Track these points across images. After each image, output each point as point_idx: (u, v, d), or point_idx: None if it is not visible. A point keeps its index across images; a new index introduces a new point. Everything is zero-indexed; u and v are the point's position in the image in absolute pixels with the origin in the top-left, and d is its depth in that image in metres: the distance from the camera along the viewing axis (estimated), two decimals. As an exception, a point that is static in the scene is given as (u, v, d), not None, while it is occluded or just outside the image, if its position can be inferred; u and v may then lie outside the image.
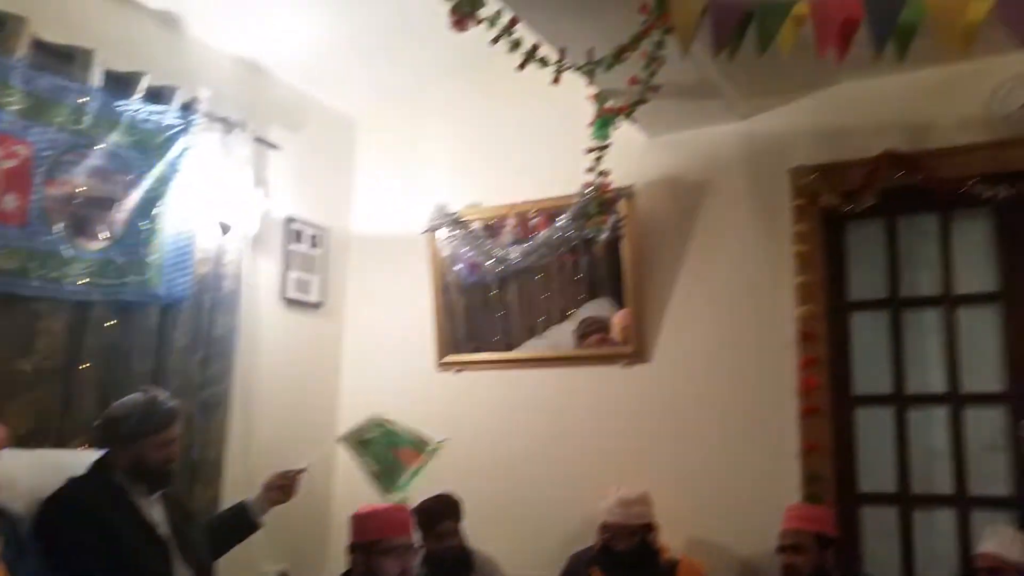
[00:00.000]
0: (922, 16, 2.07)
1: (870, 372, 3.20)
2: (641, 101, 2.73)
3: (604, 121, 2.89)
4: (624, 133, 3.05)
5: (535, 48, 2.53)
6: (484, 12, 2.31)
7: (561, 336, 3.60)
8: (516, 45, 2.46)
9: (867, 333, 3.23)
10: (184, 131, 3.02)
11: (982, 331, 3.05)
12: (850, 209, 3.07)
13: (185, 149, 3.02)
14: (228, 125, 3.22)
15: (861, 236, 3.28)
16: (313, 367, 3.84)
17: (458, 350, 3.75)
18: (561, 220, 3.46)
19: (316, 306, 3.85)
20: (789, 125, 3.31)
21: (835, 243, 3.28)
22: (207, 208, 3.13)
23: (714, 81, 3.02)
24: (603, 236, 3.41)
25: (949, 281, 3.12)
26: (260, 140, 3.45)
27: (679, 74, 2.79)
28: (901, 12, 2.04)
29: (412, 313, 3.83)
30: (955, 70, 3.01)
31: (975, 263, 3.10)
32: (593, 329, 3.54)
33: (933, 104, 3.07)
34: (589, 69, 2.61)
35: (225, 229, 3.19)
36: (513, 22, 2.41)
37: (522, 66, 2.51)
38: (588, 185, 3.15)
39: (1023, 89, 2.89)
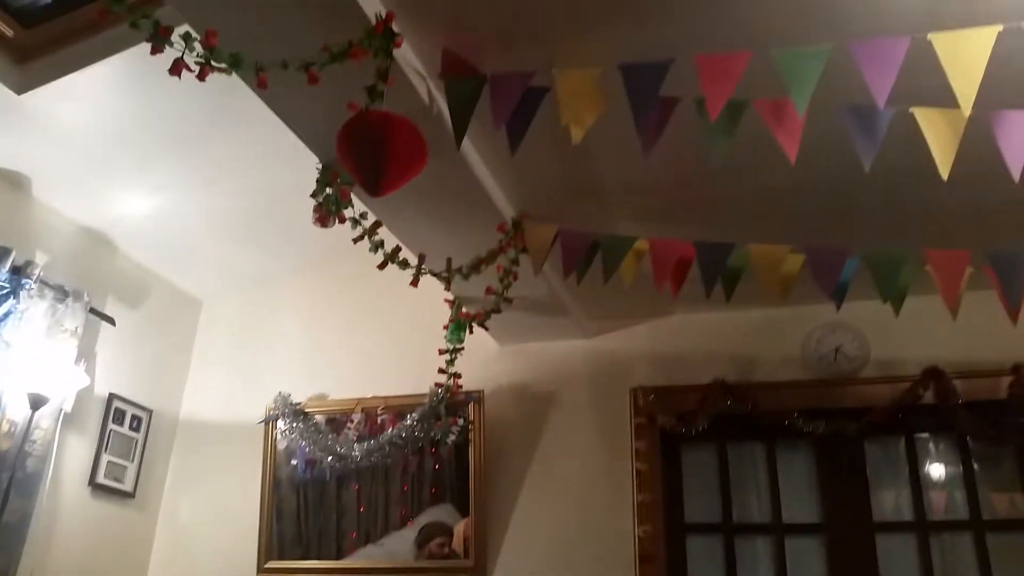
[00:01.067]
0: (746, 264, 2.31)
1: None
2: (495, 310, 2.83)
3: (459, 325, 2.96)
4: (477, 339, 3.13)
5: (397, 250, 2.61)
6: (349, 212, 2.39)
7: (400, 544, 3.41)
8: (378, 246, 2.53)
9: (703, 556, 3.26)
10: (11, 295, 2.83)
11: (808, 561, 3.16)
12: (685, 431, 3.21)
13: (8, 313, 2.81)
14: (61, 293, 3.05)
15: (696, 458, 3.41)
16: (117, 565, 3.41)
17: (284, 555, 3.45)
18: (409, 419, 3.40)
19: (128, 495, 3.49)
20: (630, 347, 3.51)
21: (673, 463, 3.39)
22: (21, 378, 2.86)
23: (563, 300, 3.19)
24: (451, 439, 3.37)
25: (778, 509, 3.25)
26: (94, 312, 3.27)
27: (531, 290, 2.94)
28: (728, 258, 2.28)
29: (237, 510, 3.54)
30: (776, 313, 3.35)
31: (800, 493, 3.26)
32: (435, 535, 3.39)
33: (758, 341, 3.37)
34: (447, 276, 2.71)
35: (37, 403, 2.90)
36: (377, 225, 2.49)
37: (382, 266, 2.57)
38: (439, 386, 3.15)
39: (833, 336, 3.24)
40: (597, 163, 2.45)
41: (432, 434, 3.37)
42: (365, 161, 1.60)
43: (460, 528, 3.37)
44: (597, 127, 2.00)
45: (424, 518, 3.43)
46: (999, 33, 1.47)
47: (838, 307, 2.30)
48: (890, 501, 3.19)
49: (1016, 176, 1.60)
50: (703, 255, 2.30)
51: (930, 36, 1.51)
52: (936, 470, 3.22)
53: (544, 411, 3.50)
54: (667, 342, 3.48)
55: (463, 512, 3.36)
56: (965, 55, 1.48)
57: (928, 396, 3.01)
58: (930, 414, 3.04)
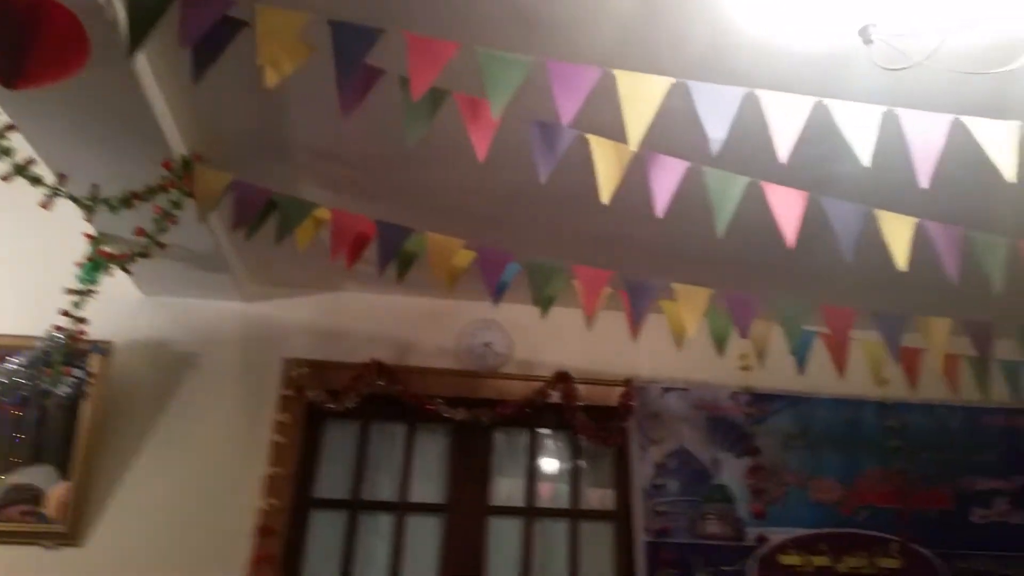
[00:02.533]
0: (421, 250, 2.35)
1: (323, 572, 3.19)
2: (143, 254, 2.53)
3: (96, 265, 2.59)
4: (117, 284, 2.78)
5: (31, 162, 2.20)
6: (-28, 106, 1.96)
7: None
8: (6, 153, 2.11)
9: (327, 532, 3.25)
10: None
11: (427, 538, 3.31)
12: (333, 407, 3.18)
13: None
14: None
15: (338, 435, 3.39)
16: None
17: None
18: (15, 362, 2.90)
19: None
20: (291, 317, 3.39)
21: (313, 439, 3.33)
22: None
23: (225, 256, 2.97)
24: (61, 391, 2.94)
25: (406, 489, 3.36)
26: None
27: (191, 239, 2.69)
28: (405, 242, 2.30)
29: None
30: (439, 304, 3.47)
31: (431, 475, 3.41)
32: (19, 499, 2.92)
33: (418, 328, 3.46)
34: (90, 205, 2.36)
35: None
36: (9, 128, 2.08)
37: (6, 178, 2.15)
38: (59, 329, 2.73)
39: (486, 332, 3.45)
40: (290, 119, 2.31)
41: (40, 383, 2.92)
42: (2, 42, 1.31)
43: (56, 492, 2.95)
44: (297, 80, 1.88)
45: (16, 478, 2.95)
46: (671, 85, 1.67)
47: (495, 303, 2.44)
48: (507, 488, 3.48)
49: (660, 212, 1.82)
50: (383, 235, 2.29)
51: (616, 71, 1.67)
52: (550, 464, 3.59)
53: (182, 373, 3.22)
54: (330, 317, 3.43)
55: (65, 475, 2.96)
56: (641, 96, 1.66)
57: (555, 396, 3.35)
58: (554, 413, 3.37)
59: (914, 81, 2.00)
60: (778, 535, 3.31)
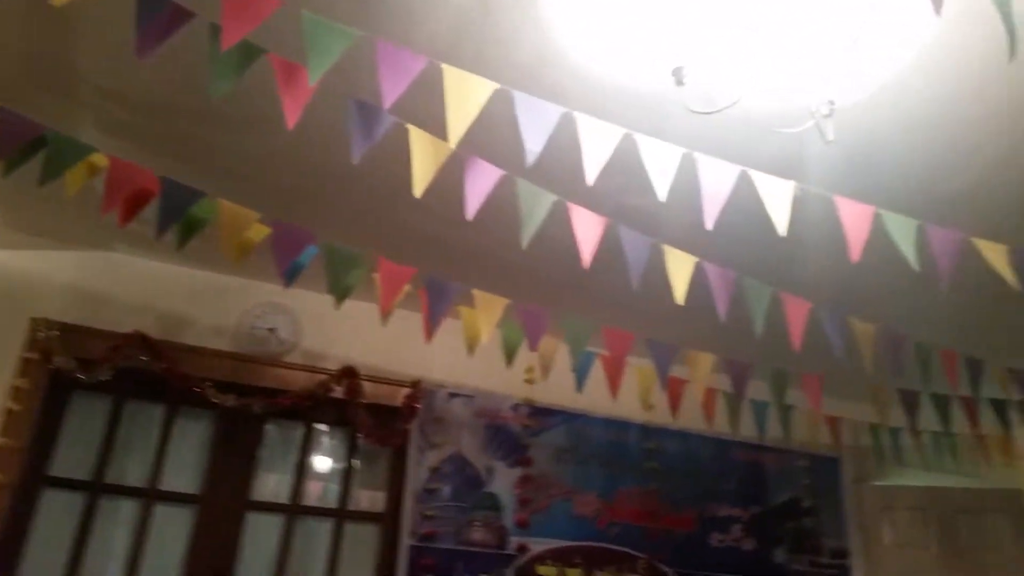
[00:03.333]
0: (210, 216, 2.17)
1: (48, 559, 2.84)
2: None
3: None
4: None
5: None
6: None
7: None
8: None
9: (60, 513, 2.91)
10: None
11: (174, 530, 3.05)
12: (83, 378, 2.86)
13: None
14: None
15: (85, 409, 3.06)
16: None
17: None
18: None
19: None
20: (46, 272, 3.02)
21: (55, 410, 2.98)
22: None
23: (-24, 192, 2.59)
24: None
25: (157, 475, 3.09)
26: None
27: (-68, 165, 2.30)
28: (193, 206, 2.11)
29: None
30: (222, 279, 3.24)
31: (188, 462, 3.16)
32: None
33: (195, 302, 3.21)
34: None
35: None
36: None
37: None
38: None
39: (272, 316, 3.27)
40: (78, 50, 2.06)
41: None
42: None
43: None
44: (91, 5, 1.67)
45: None
46: (496, 90, 1.66)
47: (286, 286, 2.31)
48: (273, 483, 3.31)
49: (470, 214, 1.81)
50: (167, 193, 2.08)
51: (444, 65, 1.64)
52: (322, 461, 3.46)
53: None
54: (93, 278, 3.08)
55: None
56: (466, 96, 1.64)
57: (338, 392, 3.24)
58: (334, 408, 3.26)
59: (716, 128, 2.16)
60: (538, 545, 3.42)
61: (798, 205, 1.93)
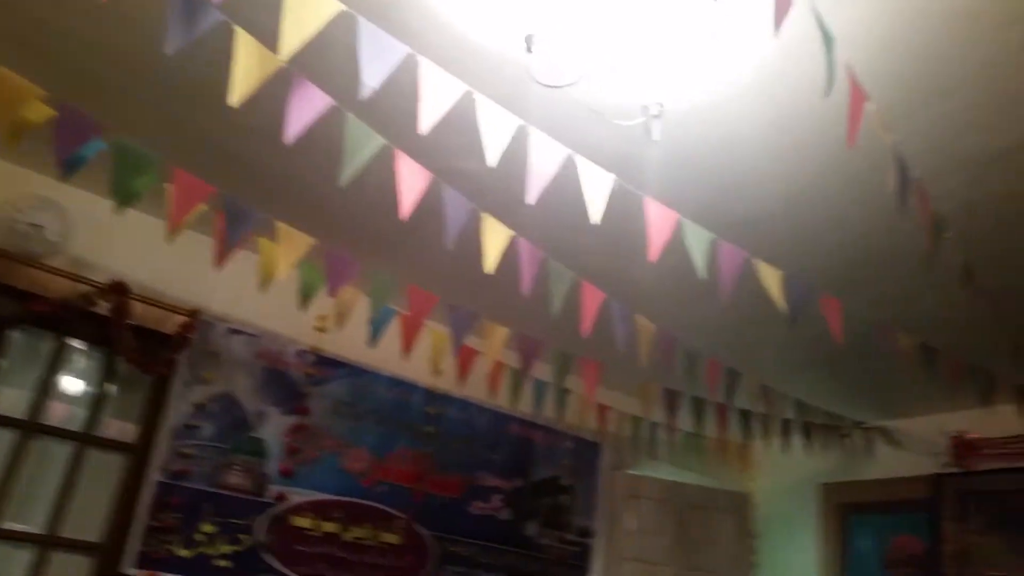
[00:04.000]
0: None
1: None
2: None
3: None
4: None
5: None
6: None
7: None
8: None
9: None
10: None
11: None
12: None
13: None
14: None
15: None
16: None
17: None
18: None
19: None
20: None
21: None
22: None
23: None
24: None
25: None
26: None
27: None
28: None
29: None
30: (-16, 158, 2.82)
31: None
32: None
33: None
34: None
35: None
36: None
37: None
38: None
39: (42, 212, 2.90)
40: None
41: None
42: None
43: None
44: None
45: None
46: (341, 11, 1.56)
47: (62, 178, 2.04)
48: (11, 398, 2.95)
49: (289, 138, 1.69)
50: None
51: (288, -27, 1.51)
52: (73, 381, 3.14)
53: None
54: None
55: None
56: (307, 9, 1.52)
57: (104, 307, 2.94)
58: (96, 325, 2.95)
59: (556, 105, 2.18)
60: (298, 496, 3.33)
61: (615, 198, 1.99)
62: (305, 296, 2.48)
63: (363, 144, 1.82)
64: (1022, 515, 3.73)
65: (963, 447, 3.96)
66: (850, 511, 4.47)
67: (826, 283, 2.65)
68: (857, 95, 1.77)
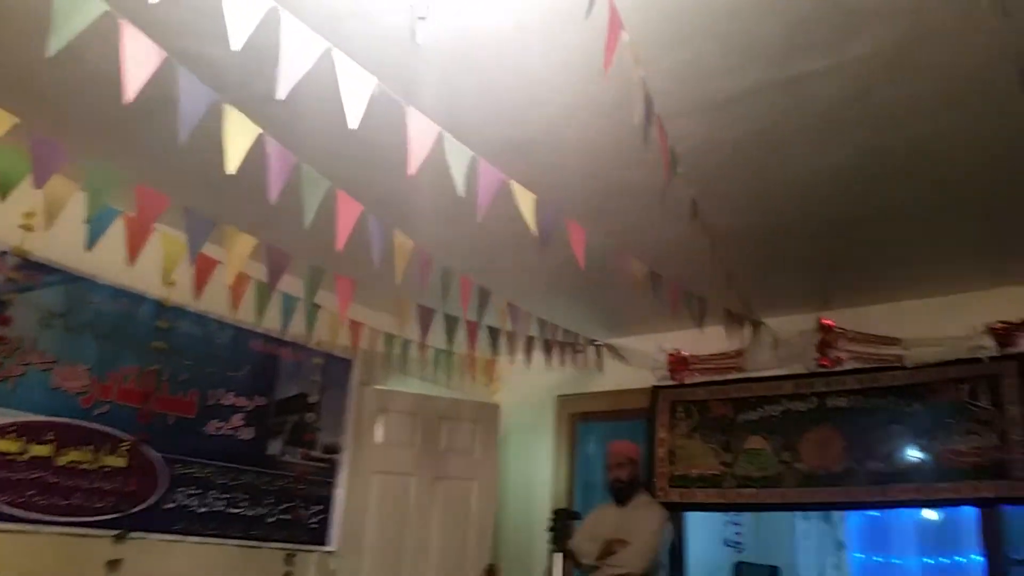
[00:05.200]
0: None
1: None
2: None
3: None
4: None
5: None
6: None
7: None
8: None
9: None
10: None
11: None
12: None
13: None
14: None
15: None
16: None
17: None
18: None
19: None
20: None
21: None
22: None
23: None
24: None
25: None
26: None
27: None
28: None
29: None
30: None
31: None
32: None
33: None
34: None
35: None
36: None
37: None
38: None
39: None
40: None
41: None
42: None
43: None
44: None
45: None
46: None
47: None
48: None
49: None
50: None
51: None
52: None
53: None
54: None
55: None
56: None
57: None
58: None
59: (308, -1, 1.99)
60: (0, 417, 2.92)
61: (376, 104, 1.88)
62: (5, 186, 2.10)
63: (77, 7, 1.53)
64: (718, 420, 4.29)
65: (677, 362, 4.45)
66: (581, 419, 4.87)
67: (572, 209, 2.76)
68: (615, 22, 1.81)
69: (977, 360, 3.63)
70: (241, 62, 2.24)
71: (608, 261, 2.87)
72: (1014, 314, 3.60)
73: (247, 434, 3.83)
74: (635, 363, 4.61)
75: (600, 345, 4.69)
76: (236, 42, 1.58)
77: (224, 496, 3.67)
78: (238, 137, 1.91)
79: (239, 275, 2.77)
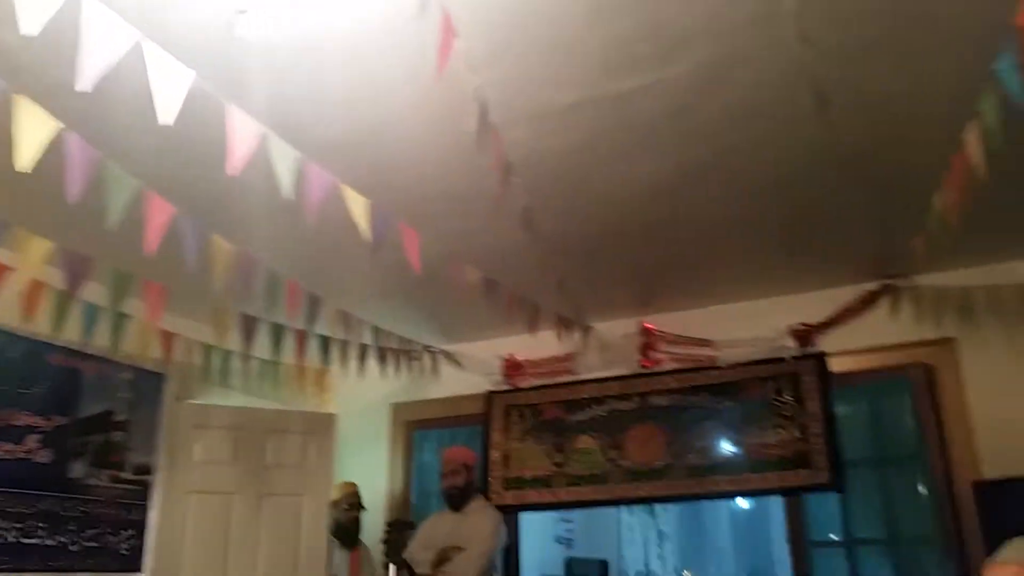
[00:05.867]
0: None
1: None
2: None
3: None
4: None
5: None
6: None
7: None
8: None
9: None
10: None
11: None
12: None
13: None
14: None
15: None
16: None
17: None
18: None
19: None
20: None
21: None
22: None
23: None
24: None
25: None
26: None
27: None
28: None
29: None
30: None
31: None
32: None
33: None
34: None
35: None
36: None
37: None
38: None
39: None
40: None
41: None
42: None
43: None
44: None
45: None
46: None
47: None
48: None
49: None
50: None
51: None
52: None
53: None
54: None
55: None
56: None
57: None
58: None
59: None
60: None
61: (192, 99, 1.75)
62: None
63: None
64: (550, 422, 4.39)
65: (512, 367, 4.51)
66: (417, 427, 4.81)
67: (405, 213, 2.72)
68: (448, 28, 1.80)
69: (781, 360, 3.95)
70: (37, 48, 2.01)
71: (442, 267, 2.85)
72: (812, 317, 3.95)
73: (44, 457, 3.45)
74: (471, 369, 4.62)
75: (436, 352, 4.67)
76: (29, 26, 1.41)
77: (17, 525, 3.29)
78: (32, 130, 1.71)
79: (33, 282, 2.49)
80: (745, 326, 4.04)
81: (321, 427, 4.61)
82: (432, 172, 2.81)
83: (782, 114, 2.49)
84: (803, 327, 3.94)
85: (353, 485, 4.40)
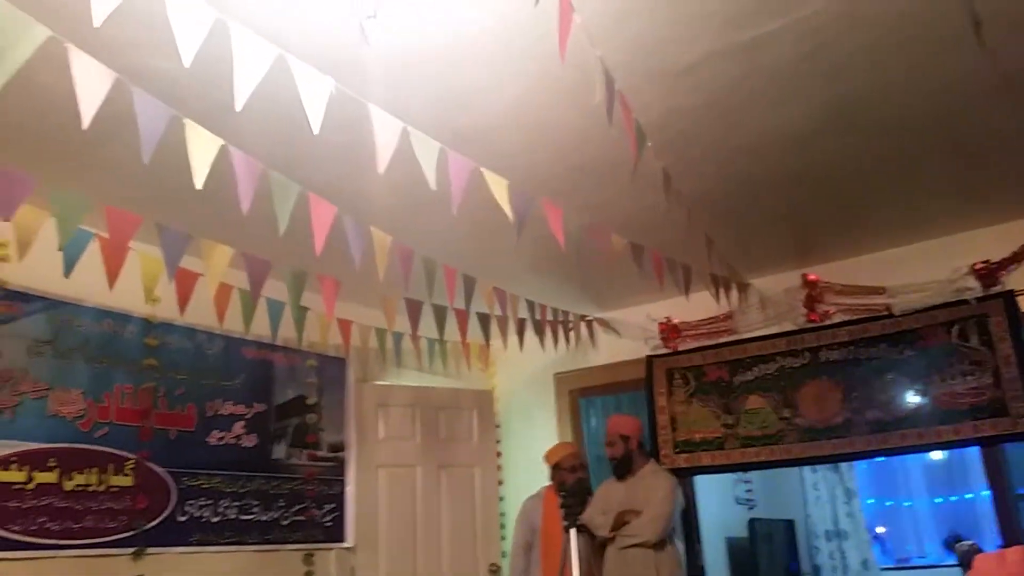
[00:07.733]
0: None
1: None
2: None
3: None
4: None
5: None
6: None
7: None
8: None
9: None
10: None
11: None
12: None
13: None
14: None
15: None
16: None
17: None
18: None
19: None
20: None
21: None
22: None
23: None
24: None
25: None
26: None
27: None
28: None
29: None
30: None
31: None
32: None
33: None
34: None
35: None
36: None
37: None
38: None
39: None
40: None
41: None
42: None
43: None
44: None
45: None
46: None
47: None
48: None
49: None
50: None
51: None
52: None
53: None
54: None
55: None
56: None
57: None
58: None
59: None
60: (1, 449, 2.94)
61: (336, 105, 1.89)
62: (-28, 222, 2.10)
63: (21, 34, 1.52)
64: (714, 383, 4.32)
65: (669, 331, 4.47)
66: (581, 395, 4.89)
67: (545, 190, 2.76)
68: (566, 6, 1.81)
69: (964, 302, 3.65)
70: (197, 75, 2.24)
71: (587, 238, 2.88)
72: (994, 253, 3.62)
73: (250, 441, 3.85)
74: (627, 335, 4.63)
75: (591, 320, 4.71)
76: (187, 57, 1.58)
77: (236, 504, 3.70)
78: (202, 150, 1.92)
79: (221, 286, 2.78)
80: (918, 269, 3.77)
81: (481, 403, 4.84)
82: (567, 146, 2.83)
83: (931, 42, 2.30)
84: (985, 265, 3.62)
85: (572, 445, 4.35)
